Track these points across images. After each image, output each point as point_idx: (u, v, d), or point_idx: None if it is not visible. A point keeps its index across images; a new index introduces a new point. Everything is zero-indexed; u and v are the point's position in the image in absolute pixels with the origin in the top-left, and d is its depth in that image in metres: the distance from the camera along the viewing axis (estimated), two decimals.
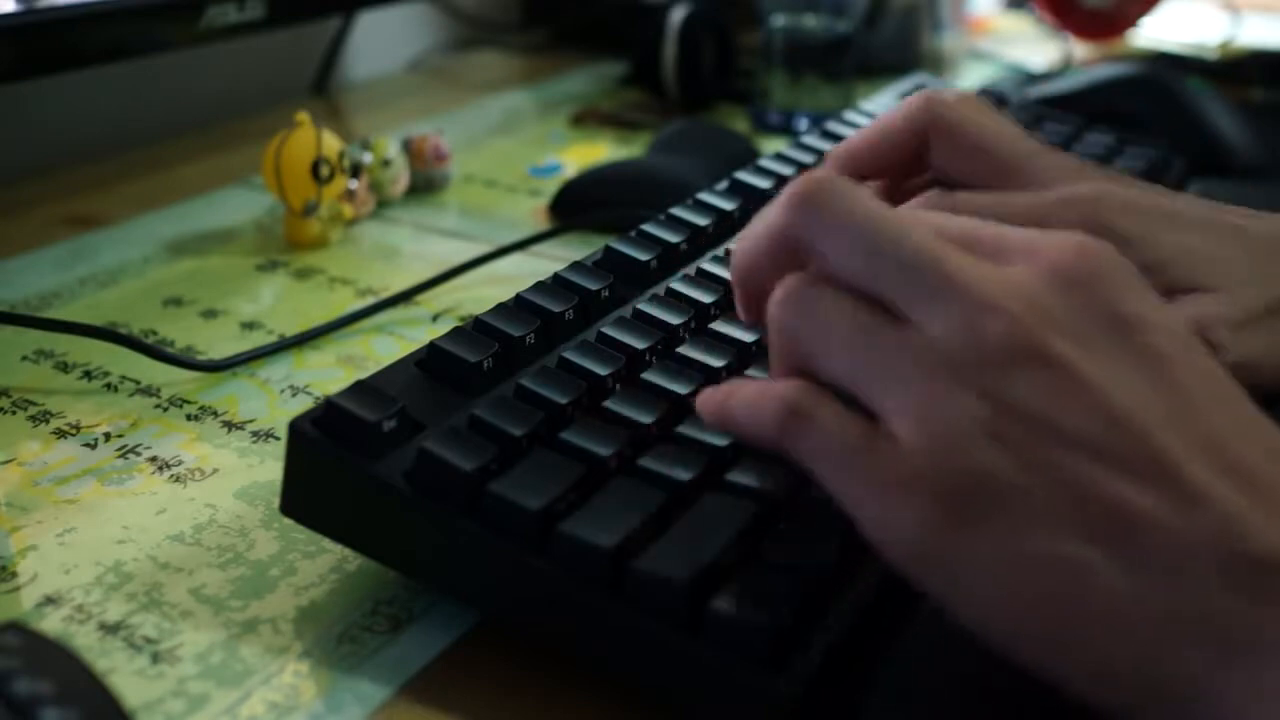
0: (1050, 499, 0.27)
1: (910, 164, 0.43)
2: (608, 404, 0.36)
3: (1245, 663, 0.25)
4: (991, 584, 0.27)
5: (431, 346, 0.37)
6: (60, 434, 0.44)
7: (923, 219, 0.31)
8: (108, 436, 0.44)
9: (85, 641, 0.34)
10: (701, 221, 0.49)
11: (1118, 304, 0.29)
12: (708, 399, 0.33)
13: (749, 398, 0.31)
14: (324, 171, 0.60)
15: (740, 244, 0.33)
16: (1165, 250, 0.40)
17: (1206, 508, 0.26)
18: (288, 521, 0.36)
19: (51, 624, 0.35)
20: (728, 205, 0.51)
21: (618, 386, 0.38)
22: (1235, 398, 0.29)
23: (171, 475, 0.42)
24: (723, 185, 0.53)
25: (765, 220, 0.32)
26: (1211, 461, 0.27)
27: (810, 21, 0.80)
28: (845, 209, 0.30)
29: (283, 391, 0.48)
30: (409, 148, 0.68)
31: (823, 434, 0.29)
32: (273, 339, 0.52)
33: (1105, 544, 0.26)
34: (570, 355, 0.38)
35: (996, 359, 0.27)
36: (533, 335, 0.39)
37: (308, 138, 0.60)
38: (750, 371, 0.38)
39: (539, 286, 0.42)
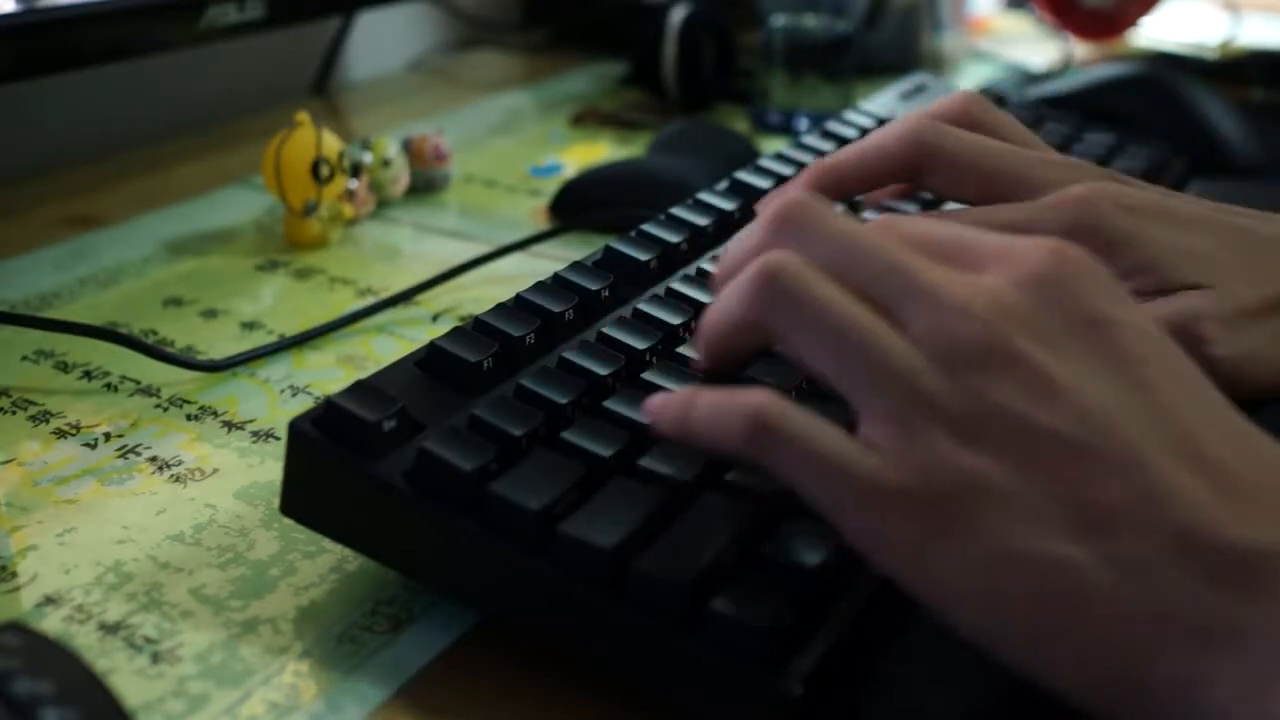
0: (1030, 498, 0.27)
1: (896, 183, 0.43)
2: (608, 404, 0.36)
3: (1227, 654, 0.26)
4: (977, 584, 0.27)
5: (431, 346, 0.37)
6: (60, 434, 0.44)
7: (897, 230, 0.32)
8: (108, 436, 0.44)
9: (85, 641, 0.34)
10: (701, 221, 0.49)
11: (1088, 305, 0.29)
12: (662, 409, 0.32)
13: (711, 408, 0.30)
14: (324, 171, 0.60)
15: (720, 267, 0.33)
16: (1158, 249, 0.40)
17: (1175, 503, 0.27)
18: (288, 521, 0.36)
19: (51, 624, 0.35)
20: (728, 205, 0.51)
21: (618, 386, 0.38)
22: (1206, 394, 0.30)
23: (171, 475, 0.42)
24: (723, 185, 0.53)
25: (744, 242, 0.32)
26: (1182, 458, 0.27)
27: (810, 21, 0.80)
28: (821, 227, 0.31)
29: (283, 391, 0.48)
30: (409, 148, 0.68)
31: (795, 445, 0.28)
32: (273, 339, 0.52)
33: (1085, 541, 0.27)
34: (570, 355, 0.38)
35: (970, 362, 0.28)
36: (533, 335, 0.39)
37: (308, 138, 0.60)
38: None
39: (539, 286, 0.42)
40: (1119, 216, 0.40)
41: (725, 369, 0.35)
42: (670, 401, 0.32)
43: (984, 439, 0.27)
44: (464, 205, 0.69)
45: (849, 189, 0.43)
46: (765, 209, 0.32)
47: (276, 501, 0.36)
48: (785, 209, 0.31)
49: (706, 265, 0.46)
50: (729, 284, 0.32)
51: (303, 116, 0.60)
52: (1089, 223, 0.39)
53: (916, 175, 0.42)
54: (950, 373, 0.28)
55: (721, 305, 0.32)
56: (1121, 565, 0.26)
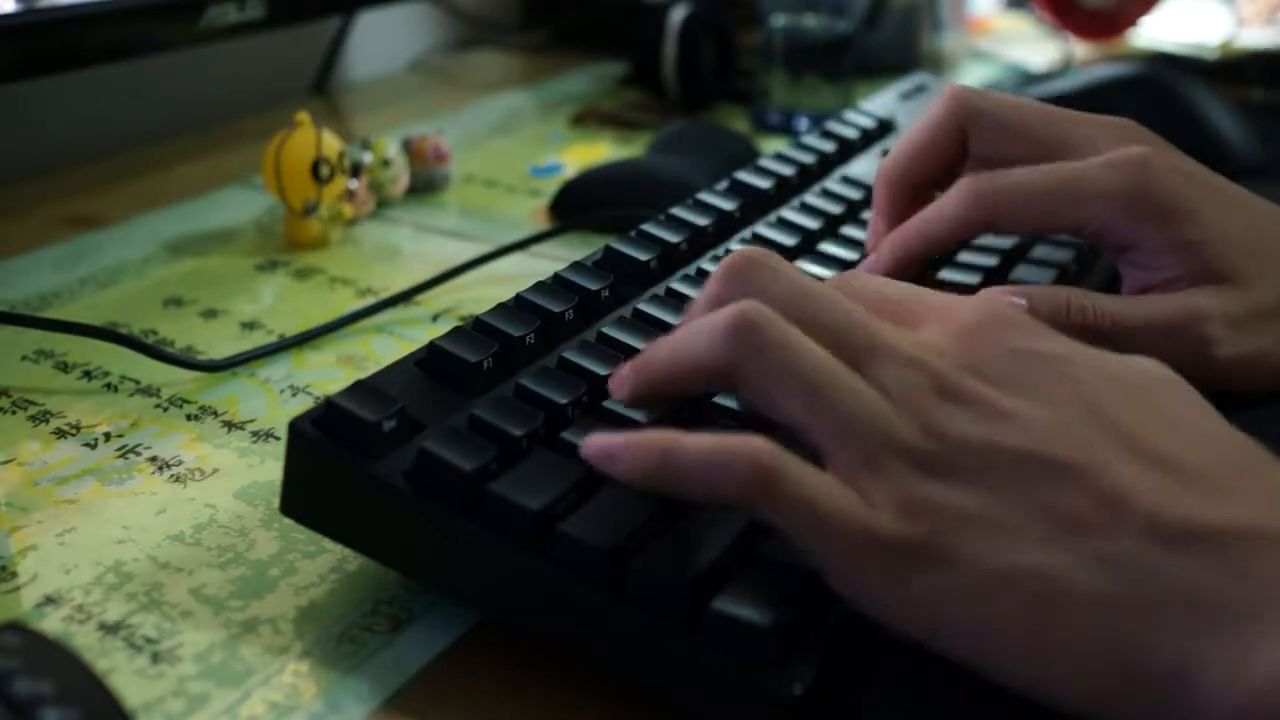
0: (1005, 517, 0.28)
1: (955, 160, 0.44)
2: (608, 404, 0.36)
3: (1213, 633, 0.26)
4: (967, 611, 0.28)
5: (431, 346, 0.37)
6: (60, 434, 0.44)
7: (846, 287, 0.34)
8: (108, 436, 0.44)
9: (85, 641, 0.34)
10: (701, 221, 0.49)
11: (1021, 344, 0.31)
12: (626, 451, 0.30)
13: (705, 453, 0.29)
14: (324, 171, 0.60)
15: (683, 321, 0.34)
16: (1204, 230, 0.40)
17: (1138, 497, 0.28)
18: (288, 521, 0.36)
19: (51, 624, 0.35)
20: (728, 205, 0.51)
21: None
22: (1145, 397, 0.31)
23: (171, 475, 0.42)
24: (723, 185, 0.53)
25: (701, 298, 0.33)
26: (1135, 457, 0.29)
27: (810, 21, 0.80)
28: (777, 279, 0.32)
29: (283, 391, 0.48)
30: (409, 148, 0.68)
31: (798, 497, 0.28)
32: (273, 339, 0.52)
33: (1062, 546, 0.27)
34: (570, 355, 0.38)
35: (927, 401, 0.30)
36: (533, 335, 0.39)
37: (308, 138, 0.60)
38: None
39: (539, 286, 0.42)
40: (1177, 185, 0.40)
41: (646, 407, 0.35)
42: (639, 442, 0.30)
43: (952, 469, 0.29)
44: (464, 205, 0.69)
45: (918, 177, 0.44)
46: (721, 263, 0.33)
47: (276, 501, 0.36)
48: (740, 262, 0.33)
49: (707, 265, 0.46)
50: (683, 331, 0.32)
51: (303, 116, 0.60)
52: (1146, 187, 0.40)
53: (963, 143, 0.43)
54: (910, 414, 0.29)
55: (679, 346, 0.32)
56: (1100, 562, 0.27)
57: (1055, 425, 0.29)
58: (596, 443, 0.31)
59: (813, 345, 0.30)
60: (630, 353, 0.39)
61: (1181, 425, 0.30)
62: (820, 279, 0.33)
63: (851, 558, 0.28)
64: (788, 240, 0.49)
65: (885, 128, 0.64)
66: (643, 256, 0.45)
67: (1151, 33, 1.06)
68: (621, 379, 0.34)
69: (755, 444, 0.29)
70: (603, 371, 0.37)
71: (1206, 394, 0.32)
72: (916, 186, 0.45)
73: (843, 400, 0.29)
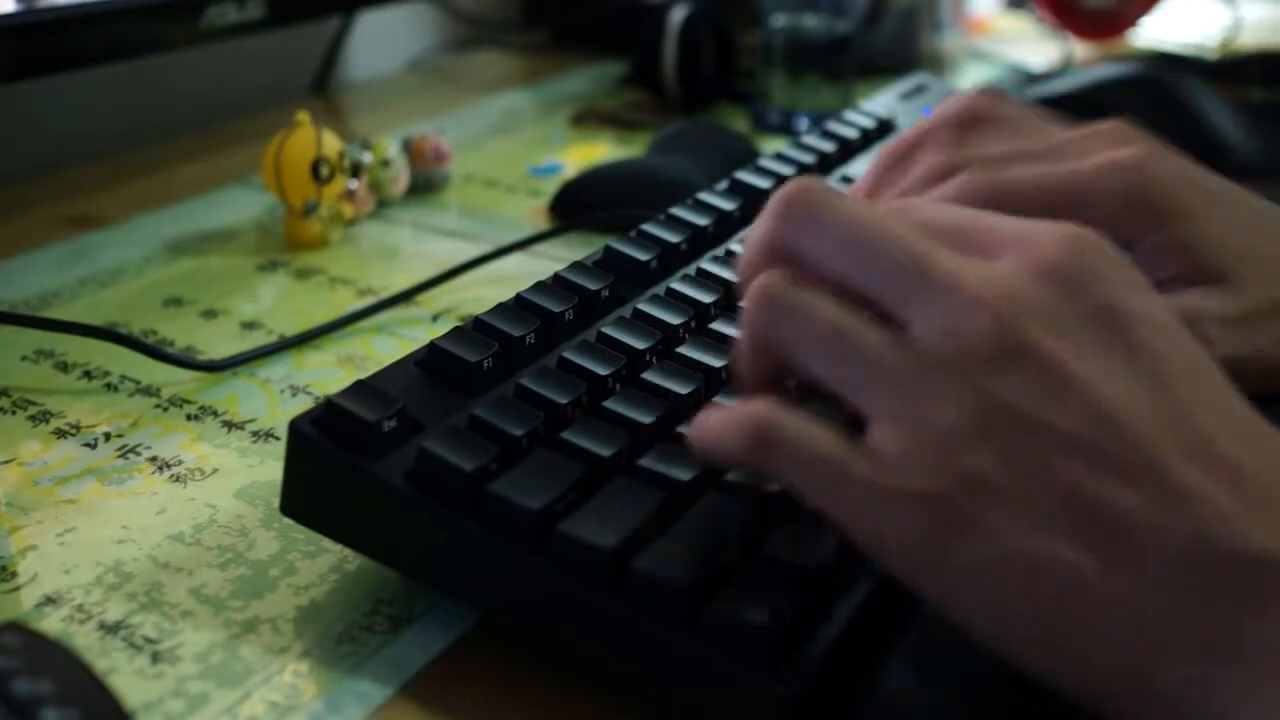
0: (1041, 500, 0.26)
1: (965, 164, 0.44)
2: (608, 404, 0.36)
3: (1231, 665, 0.25)
4: (985, 586, 0.27)
5: (431, 346, 0.37)
6: (60, 434, 0.44)
7: (911, 215, 0.31)
8: (108, 436, 0.44)
9: (85, 641, 0.34)
10: (701, 221, 0.49)
11: (1106, 297, 0.28)
12: (692, 431, 0.31)
13: (715, 422, 0.30)
14: (324, 171, 0.60)
15: (739, 265, 0.33)
16: (1198, 231, 0.40)
17: (1190, 507, 0.26)
18: (288, 521, 0.36)
19: (51, 624, 0.35)
20: (728, 205, 0.51)
21: (618, 386, 0.38)
22: (1224, 393, 0.29)
23: (171, 475, 0.42)
24: (723, 185, 0.53)
25: (755, 233, 0.32)
26: (1198, 459, 0.27)
27: (810, 21, 0.80)
28: (829, 212, 0.30)
29: (283, 391, 0.48)
30: (409, 148, 0.68)
31: (797, 452, 0.28)
32: (273, 339, 0.52)
33: (1094, 545, 0.26)
34: (570, 355, 0.38)
35: (982, 358, 0.27)
36: (533, 335, 0.39)
37: (308, 138, 0.60)
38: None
39: (539, 286, 0.42)
40: (1172, 186, 0.40)
41: (765, 389, 0.33)
42: (696, 423, 0.31)
43: (990, 439, 0.27)
44: (464, 205, 0.69)
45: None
46: (774, 196, 0.31)
47: (276, 501, 0.36)
48: (794, 194, 0.30)
49: (707, 265, 0.46)
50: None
51: (303, 116, 0.60)
52: (1143, 189, 0.40)
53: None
54: (958, 370, 0.27)
55: (740, 329, 0.32)
56: (1130, 569, 0.26)
57: (1120, 408, 0.27)
58: (697, 426, 0.31)
59: (831, 305, 0.29)
60: (630, 353, 0.39)
61: (1247, 423, 0.29)
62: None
63: (862, 510, 0.28)
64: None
65: (885, 128, 0.64)
66: (643, 256, 0.45)
67: (1151, 33, 1.06)
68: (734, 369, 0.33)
69: (757, 405, 0.29)
70: (603, 371, 0.37)
71: None
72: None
73: (865, 359, 0.28)
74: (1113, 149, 0.41)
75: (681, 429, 0.34)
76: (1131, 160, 0.40)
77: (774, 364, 0.31)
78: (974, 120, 0.44)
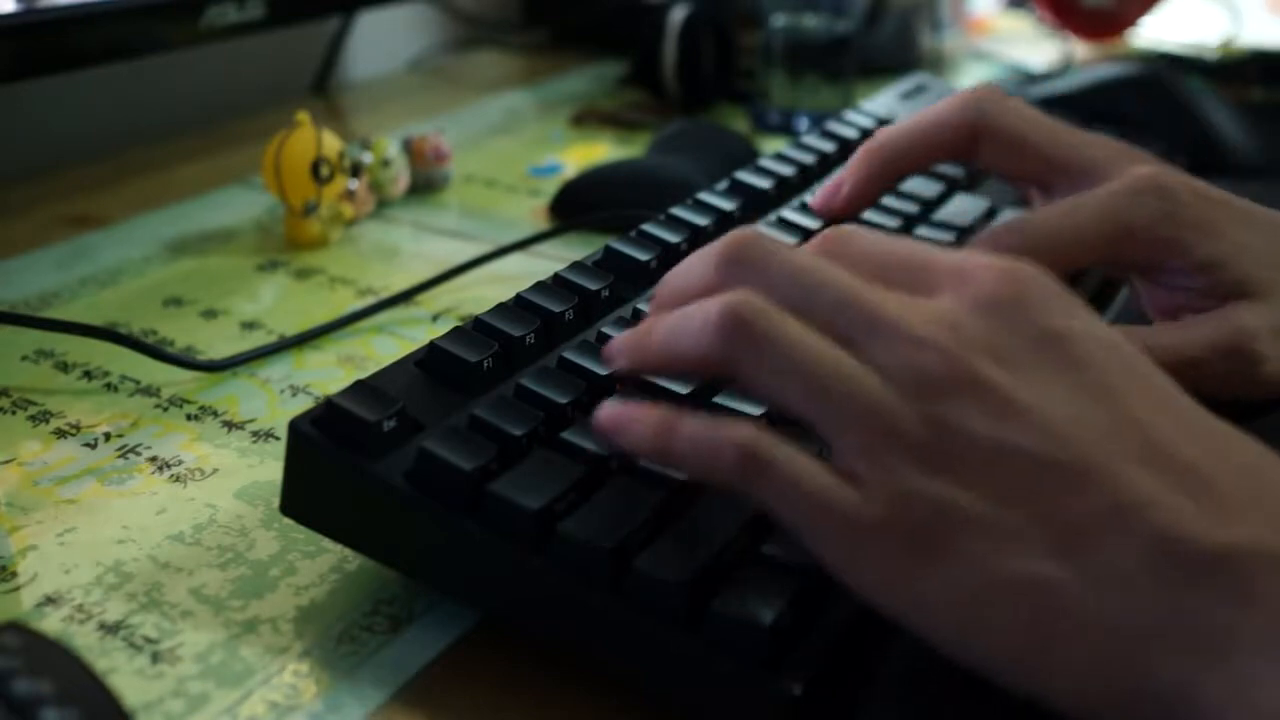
0: (1006, 520, 0.27)
1: (951, 158, 0.43)
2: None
3: (1217, 659, 0.25)
4: (961, 612, 0.27)
5: (431, 346, 0.37)
6: (60, 434, 0.44)
7: (848, 254, 0.32)
8: (108, 436, 0.44)
9: (85, 641, 0.34)
10: (701, 221, 0.49)
11: (1044, 322, 0.29)
12: (631, 425, 0.31)
13: (697, 437, 0.29)
14: (324, 171, 0.60)
15: (661, 294, 0.33)
16: (1226, 247, 0.40)
17: (1148, 512, 0.26)
18: (288, 521, 0.36)
19: (51, 624, 0.35)
20: (728, 205, 0.51)
21: (617, 387, 0.38)
22: (1170, 396, 0.30)
23: (171, 475, 0.42)
24: (723, 185, 0.53)
25: (691, 275, 0.32)
26: (1150, 463, 0.27)
27: (810, 21, 0.80)
28: (772, 263, 0.30)
29: (283, 391, 0.48)
30: (409, 148, 0.68)
31: (784, 481, 0.28)
32: (273, 339, 0.52)
33: (1066, 558, 0.27)
34: (570, 355, 0.38)
35: (933, 391, 0.28)
36: (533, 335, 0.39)
37: (308, 138, 0.60)
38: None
39: (539, 286, 0.42)
40: (1197, 205, 0.40)
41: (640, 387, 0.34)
42: (642, 419, 0.31)
43: (954, 466, 0.27)
44: (464, 205, 0.69)
45: (903, 169, 0.44)
46: (715, 245, 0.32)
47: (276, 501, 0.36)
48: (735, 246, 0.31)
49: None
50: (675, 318, 0.31)
51: (303, 116, 0.60)
52: (1173, 212, 0.39)
53: (972, 149, 0.42)
54: (915, 403, 0.28)
55: (672, 336, 0.31)
56: (1103, 580, 0.26)
57: (1074, 424, 0.28)
58: (607, 413, 0.31)
59: (806, 335, 0.29)
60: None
61: (1197, 424, 0.29)
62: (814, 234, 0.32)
63: (841, 544, 0.28)
64: (788, 240, 0.49)
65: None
66: (643, 256, 0.45)
67: (1151, 33, 1.06)
68: (614, 353, 0.33)
69: (743, 429, 0.29)
70: (603, 372, 0.37)
71: (1232, 409, 0.31)
72: (901, 171, 0.44)
73: (837, 391, 0.28)
74: (1123, 168, 0.41)
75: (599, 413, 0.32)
76: (1154, 183, 0.40)
77: (705, 374, 0.31)
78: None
